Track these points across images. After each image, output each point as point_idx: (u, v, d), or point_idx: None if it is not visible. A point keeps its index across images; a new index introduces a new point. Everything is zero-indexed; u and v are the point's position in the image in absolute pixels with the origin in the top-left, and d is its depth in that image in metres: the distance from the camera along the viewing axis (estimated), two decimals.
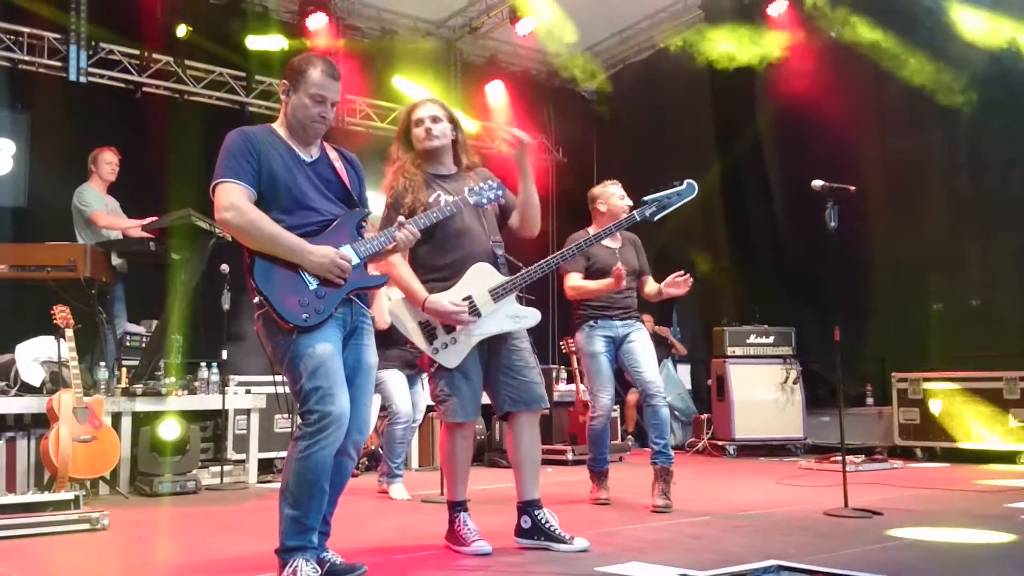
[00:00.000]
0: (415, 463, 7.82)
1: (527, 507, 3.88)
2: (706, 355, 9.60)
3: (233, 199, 3.10)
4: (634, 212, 4.16)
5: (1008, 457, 7.35)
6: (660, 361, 9.49)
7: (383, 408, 6.17)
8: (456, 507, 3.86)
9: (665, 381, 9.66)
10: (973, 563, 3.60)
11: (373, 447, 7.18)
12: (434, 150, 3.92)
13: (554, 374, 8.89)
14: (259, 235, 3.09)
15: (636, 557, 3.60)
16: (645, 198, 4.07)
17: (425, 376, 4.52)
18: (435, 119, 3.92)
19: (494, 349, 3.87)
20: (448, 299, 3.73)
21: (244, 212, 3.09)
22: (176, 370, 6.55)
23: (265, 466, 6.85)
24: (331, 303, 3.15)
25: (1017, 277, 8.09)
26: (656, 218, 4.04)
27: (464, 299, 3.75)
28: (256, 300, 3.14)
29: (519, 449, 3.91)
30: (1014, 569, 3.43)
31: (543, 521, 3.85)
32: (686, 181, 3.97)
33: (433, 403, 3.96)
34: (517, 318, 3.86)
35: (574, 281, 5.28)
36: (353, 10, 10.44)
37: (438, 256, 3.78)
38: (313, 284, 3.13)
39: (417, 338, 3.80)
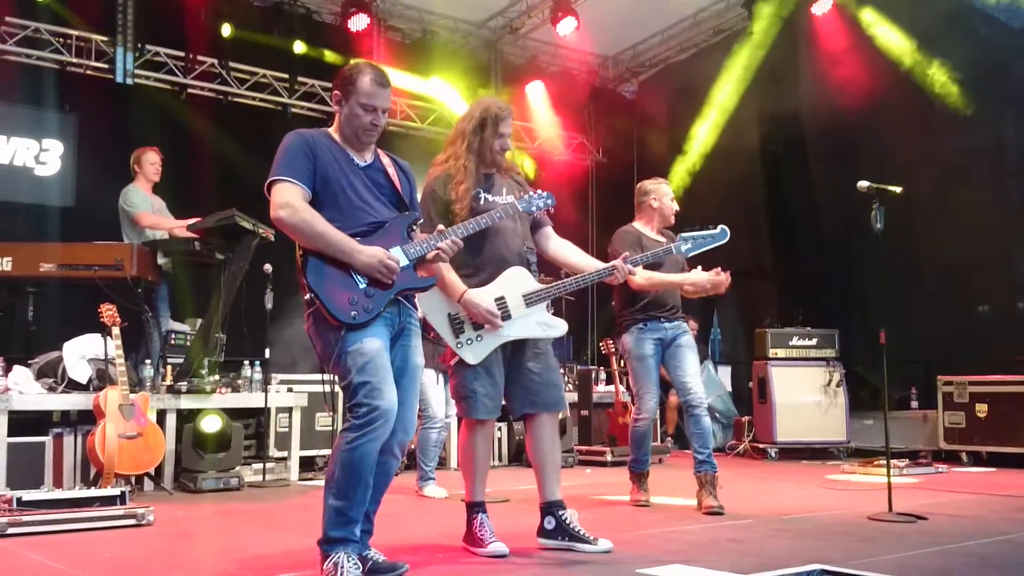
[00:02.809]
0: (453, 463, 7.83)
1: (550, 507, 3.88)
2: (747, 357, 9.52)
3: (288, 197, 3.17)
4: (671, 245, 4.38)
5: None
6: (700, 363, 9.49)
7: (420, 410, 6.19)
8: (475, 508, 3.84)
9: (705, 383, 9.65)
10: (1016, 569, 3.53)
11: (412, 447, 7.20)
12: (500, 164, 3.98)
13: (593, 375, 8.87)
14: (311, 233, 3.15)
15: (677, 559, 3.58)
16: (683, 235, 4.39)
17: None
18: (511, 138, 3.98)
19: (518, 351, 3.87)
20: (486, 297, 3.73)
21: (298, 210, 3.15)
22: (220, 368, 6.63)
23: (306, 464, 6.91)
24: (380, 302, 3.20)
25: None
26: (690, 254, 4.39)
27: (497, 300, 3.76)
28: (307, 297, 3.19)
29: (540, 450, 3.91)
30: None
31: (567, 521, 3.84)
32: (720, 227, 4.31)
33: (454, 399, 3.97)
34: (546, 326, 3.88)
35: (644, 271, 5.11)
36: (394, 11, 10.50)
37: (471, 252, 3.76)
38: (363, 283, 3.19)
39: (444, 330, 3.80)
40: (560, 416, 4.10)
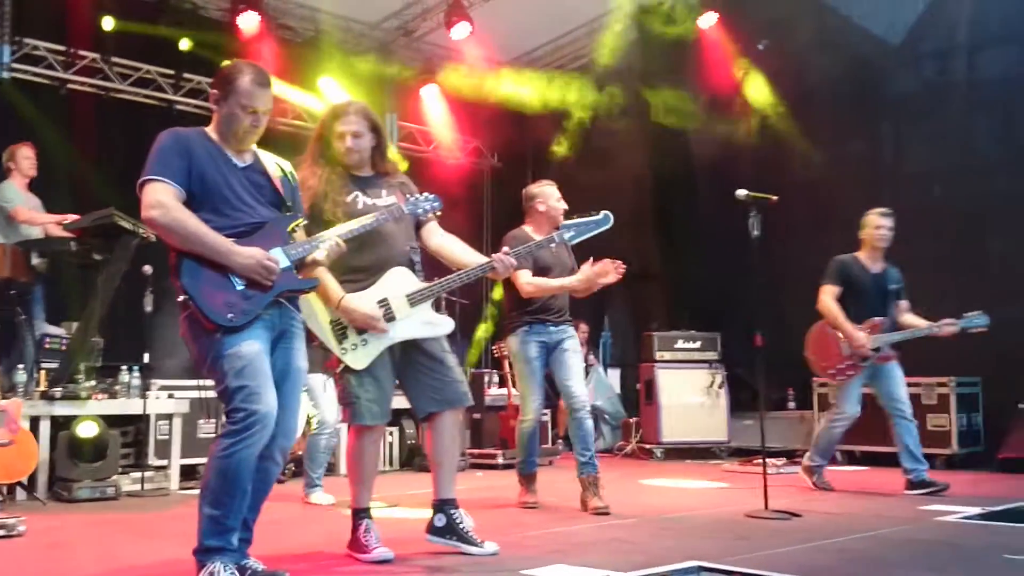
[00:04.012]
0: (343, 469, 7.74)
1: (443, 505, 3.88)
2: (636, 360, 9.72)
3: (160, 197, 3.07)
4: (553, 234, 4.28)
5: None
6: (590, 368, 9.65)
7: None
8: (360, 514, 3.81)
9: (596, 386, 9.85)
10: (886, 564, 3.70)
11: (300, 453, 7.09)
12: (353, 163, 3.91)
13: (486, 378, 8.91)
14: (184, 234, 3.07)
15: (560, 559, 3.63)
16: (565, 223, 4.27)
17: None
18: (356, 135, 3.86)
19: (409, 352, 3.84)
20: (365, 302, 3.70)
21: (170, 210, 3.07)
22: (96, 373, 6.40)
23: (188, 472, 6.72)
24: (257, 304, 3.12)
25: (937, 286, 8.33)
26: (574, 242, 4.25)
27: (380, 302, 3.73)
28: (181, 299, 3.11)
29: (440, 448, 3.89)
30: (925, 570, 3.54)
31: (457, 521, 3.85)
32: (603, 212, 4.19)
33: (340, 405, 3.92)
34: (431, 325, 3.84)
35: (532, 279, 5.23)
36: (285, 10, 10.30)
37: (354, 257, 3.70)
38: (240, 285, 3.11)
39: (327, 336, 3.75)
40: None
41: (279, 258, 3.18)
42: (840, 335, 6.04)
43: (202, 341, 3.11)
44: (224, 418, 3.10)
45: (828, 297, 6.12)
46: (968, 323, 5.97)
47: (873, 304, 6.09)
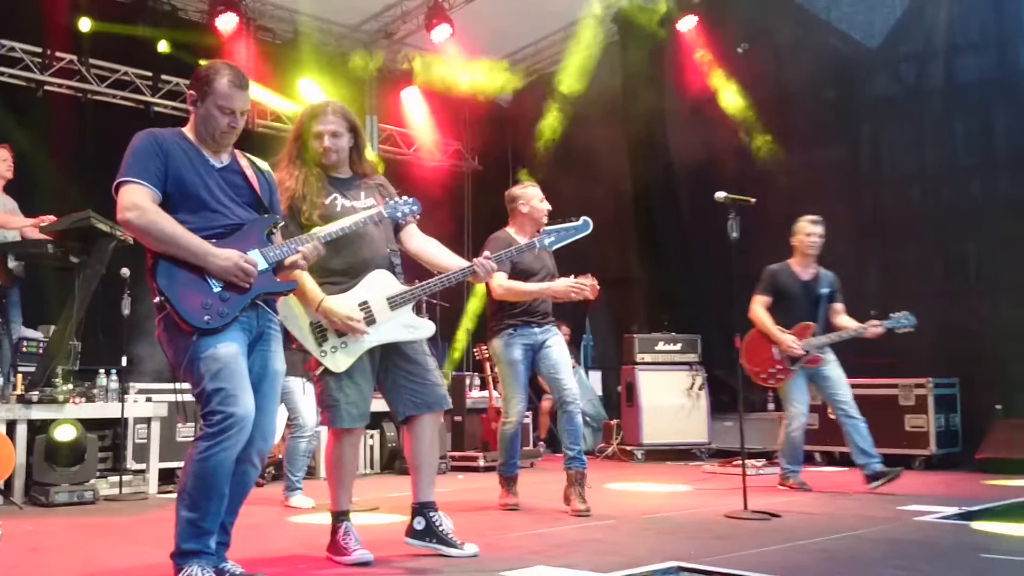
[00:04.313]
0: (322, 472, 7.71)
1: (422, 508, 3.87)
2: (617, 362, 9.74)
3: (135, 199, 3.05)
4: (534, 240, 4.27)
5: (903, 461, 7.62)
6: (572, 367, 9.65)
7: (288, 419, 6.07)
8: (340, 517, 3.79)
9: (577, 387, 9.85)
10: (864, 563, 3.72)
11: (280, 456, 7.06)
12: (331, 164, 3.88)
13: (467, 381, 8.90)
14: (160, 236, 3.05)
15: (541, 561, 3.63)
16: (545, 228, 4.29)
17: None
18: (335, 134, 3.84)
19: (388, 354, 3.82)
20: (345, 305, 3.68)
21: (146, 212, 3.05)
22: (74, 377, 6.35)
23: (166, 476, 6.67)
24: (235, 307, 3.10)
25: (915, 287, 8.41)
26: (554, 248, 4.28)
27: (360, 305, 3.71)
28: (157, 301, 3.09)
29: (418, 452, 3.88)
30: (902, 569, 3.56)
31: (437, 523, 3.84)
32: (583, 218, 4.21)
33: (320, 408, 3.91)
34: (412, 328, 3.83)
35: (506, 281, 5.24)
36: (264, 11, 10.29)
37: (334, 259, 3.69)
38: (217, 287, 3.09)
39: (306, 339, 3.72)
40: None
41: (257, 260, 3.16)
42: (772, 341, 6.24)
43: (178, 343, 3.09)
44: (201, 421, 3.07)
45: (757, 306, 6.36)
46: (895, 323, 6.17)
47: (804, 309, 6.30)
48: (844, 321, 6.33)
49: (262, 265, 3.18)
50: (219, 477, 3.01)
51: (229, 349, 3.06)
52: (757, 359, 6.32)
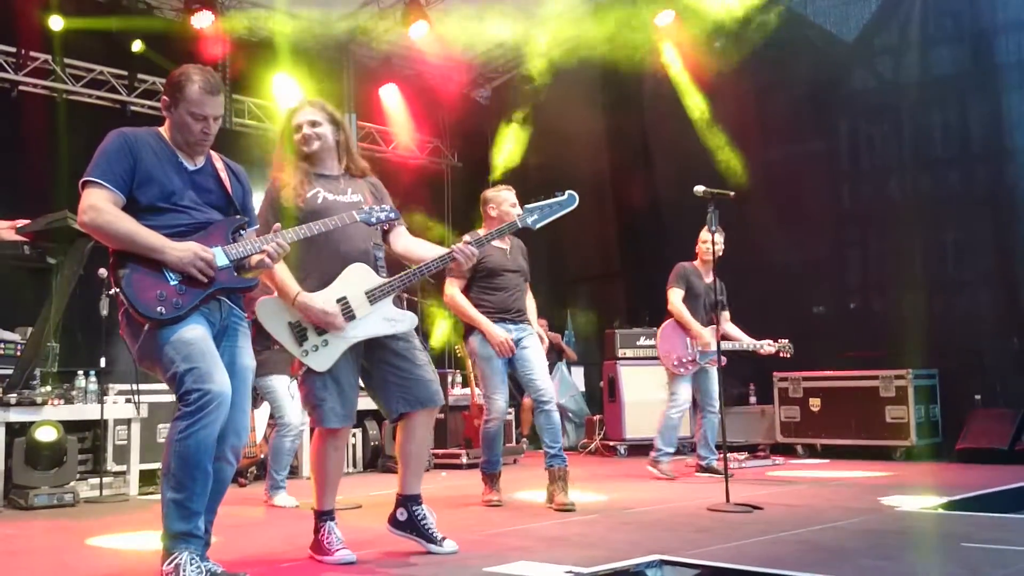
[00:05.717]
0: (306, 471, 7.69)
1: (407, 501, 3.86)
2: (599, 358, 9.75)
3: (93, 200, 3.08)
4: (516, 219, 4.06)
5: (884, 452, 7.69)
6: (554, 365, 9.65)
7: (271, 417, 6.05)
8: (323, 516, 3.76)
9: (559, 384, 9.85)
10: (845, 554, 3.74)
11: (263, 455, 7.03)
12: (314, 153, 3.86)
13: (449, 378, 8.89)
14: (116, 235, 3.07)
15: (524, 556, 3.63)
16: (528, 206, 4.01)
17: None
18: (313, 123, 3.83)
19: (376, 351, 3.79)
20: (322, 299, 3.65)
21: (101, 212, 3.06)
22: (52, 379, 6.30)
23: (147, 477, 6.63)
24: (191, 299, 3.10)
25: (893, 280, 8.47)
26: (537, 226, 3.98)
27: (339, 300, 3.67)
28: (112, 292, 3.13)
29: (410, 447, 3.86)
30: (884, 559, 3.58)
31: (420, 517, 3.83)
32: (568, 192, 3.95)
33: (304, 408, 3.89)
34: (393, 321, 3.77)
35: (458, 294, 5.38)
36: (240, 8, 10.21)
37: (313, 253, 3.67)
38: (174, 280, 3.09)
39: (286, 339, 3.68)
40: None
41: (217, 256, 3.16)
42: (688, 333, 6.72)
43: (139, 336, 3.11)
44: (178, 402, 3.05)
45: (676, 299, 6.81)
46: (782, 347, 6.85)
47: (706, 309, 6.80)
48: (733, 329, 6.86)
49: (222, 261, 3.17)
50: (202, 455, 3.00)
51: (195, 331, 3.07)
52: (670, 347, 6.77)
